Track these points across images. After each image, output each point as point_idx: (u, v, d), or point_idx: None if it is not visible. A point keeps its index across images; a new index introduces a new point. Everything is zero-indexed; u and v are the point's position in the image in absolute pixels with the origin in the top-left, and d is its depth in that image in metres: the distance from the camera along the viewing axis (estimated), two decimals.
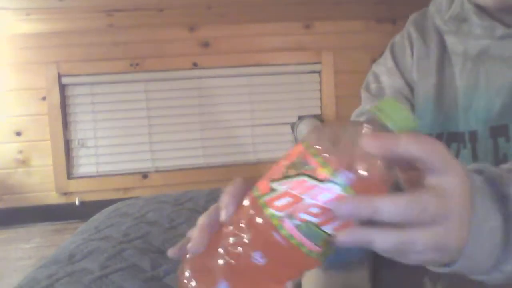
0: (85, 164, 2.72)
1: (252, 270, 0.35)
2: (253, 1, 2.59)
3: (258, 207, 0.34)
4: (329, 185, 0.32)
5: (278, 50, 2.82)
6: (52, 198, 2.66)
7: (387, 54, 0.75)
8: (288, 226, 0.33)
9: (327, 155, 0.33)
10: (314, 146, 0.34)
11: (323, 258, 0.35)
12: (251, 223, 0.35)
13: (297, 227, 0.33)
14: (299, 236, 0.33)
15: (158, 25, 2.69)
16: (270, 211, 0.34)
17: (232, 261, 0.35)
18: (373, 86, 0.74)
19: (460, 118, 0.63)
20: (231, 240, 0.35)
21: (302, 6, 2.69)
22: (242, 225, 0.35)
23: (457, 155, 0.63)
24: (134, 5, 2.55)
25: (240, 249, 0.35)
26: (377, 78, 0.74)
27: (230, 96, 2.80)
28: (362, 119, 0.73)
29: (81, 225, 1.25)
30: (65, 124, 2.69)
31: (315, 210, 0.33)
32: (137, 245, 1.00)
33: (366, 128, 0.35)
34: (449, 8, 0.66)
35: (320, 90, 2.88)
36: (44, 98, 2.64)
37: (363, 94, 0.75)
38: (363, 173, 0.33)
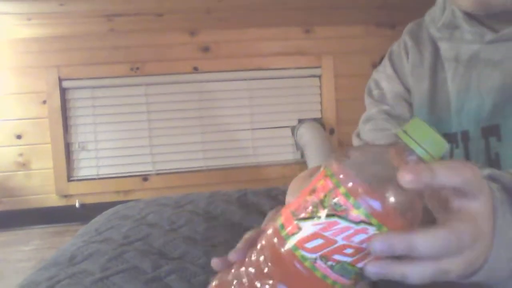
0: (86, 167, 2.73)
1: None
2: (253, 6, 2.60)
3: (287, 248, 0.34)
4: (363, 226, 0.31)
5: (278, 55, 2.83)
6: (52, 200, 2.66)
7: (386, 61, 0.77)
8: (322, 267, 0.33)
9: (359, 195, 0.31)
10: (344, 184, 0.32)
11: (353, 287, 0.35)
12: (280, 262, 0.34)
13: (331, 267, 0.33)
14: (333, 276, 0.33)
15: (159, 29, 2.71)
16: (301, 253, 0.33)
17: None
18: (375, 92, 0.76)
19: (453, 120, 0.66)
20: (258, 283, 0.35)
21: (302, 11, 2.70)
22: (269, 264, 0.35)
23: (450, 155, 0.65)
24: (135, 10, 2.56)
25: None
26: (377, 84, 0.77)
27: (230, 100, 2.81)
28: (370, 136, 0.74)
29: (81, 228, 1.25)
30: (66, 128, 2.69)
31: (349, 251, 0.32)
32: (138, 247, 1.00)
33: (396, 159, 0.33)
34: (441, 16, 0.69)
35: (320, 94, 2.89)
36: (44, 102, 2.65)
37: (367, 100, 0.78)
38: (398, 210, 0.32)
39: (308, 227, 0.33)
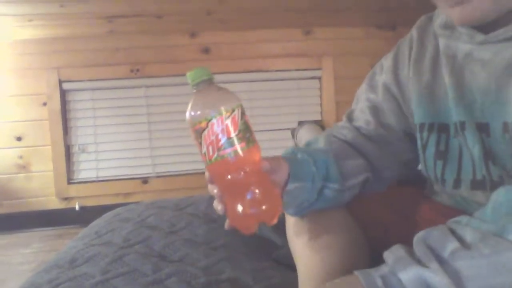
0: (86, 169, 2.72)
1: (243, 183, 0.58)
2: (254, 8, 2.60)
3: (214, 162, 0.58)
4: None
5: (278, 56, 2.83)
6: (52, 203, 2.66)
7: (393, 51, 0.83)
8: (222, 153, 0.56)
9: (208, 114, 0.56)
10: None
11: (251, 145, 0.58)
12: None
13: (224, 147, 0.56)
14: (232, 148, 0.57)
15: (159, 31, 2.71)
16: (213, 157, 0.57)
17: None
18: (377, 78, 0.84)
19: (451, 110, 0.70)
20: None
21: (302, 13, 2.70)
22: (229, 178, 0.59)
23: (446, 144, 0.72)
24: (135, 12, 2.56)
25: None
26: (381, 69, 0.84)
27: None
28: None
29: (81, 230, 1.25)
30: (66, 130, 2.69)
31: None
32: (138, 249, 1.00)
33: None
34: (439, 16, 0.74)
35: (321, 96, 2.89)
36: (45, 104, 2.65)
37: (365, 80, 0.86)
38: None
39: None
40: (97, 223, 1.26)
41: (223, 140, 0.56)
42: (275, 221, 0.60)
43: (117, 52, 2.70)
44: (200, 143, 0.57)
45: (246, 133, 0.58)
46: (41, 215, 2.63)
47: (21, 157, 2.65)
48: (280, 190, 0.64)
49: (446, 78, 0.71)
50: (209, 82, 0.58)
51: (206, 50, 2.77)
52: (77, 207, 2.65)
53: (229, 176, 0.57)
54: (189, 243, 1.03)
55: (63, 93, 2.68)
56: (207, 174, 0.61)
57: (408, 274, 0.47)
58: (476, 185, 0.69)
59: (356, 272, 0.51)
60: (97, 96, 2.71)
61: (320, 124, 2.85)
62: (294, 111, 2.87)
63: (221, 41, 2.78)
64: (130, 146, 2.74)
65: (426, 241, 0.50)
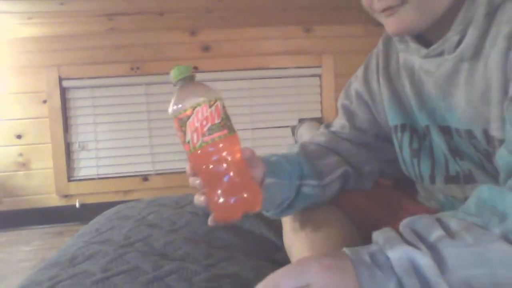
0: (86, 167, 2.73)
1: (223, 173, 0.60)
2: (254, 6, 2.60)
3: (197, 149, 0.60)
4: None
5: (278, 54, 2.83)
6: (53, 200, 2.66)
7: (365, 61, 0.89)
8: (204, 140, 0.59)
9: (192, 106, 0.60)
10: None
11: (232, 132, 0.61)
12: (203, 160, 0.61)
13: (208, 132, 0.59)
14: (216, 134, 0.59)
15: (159, 29, 2.70)
16: (198, 144, 0.59)
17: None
18: (352, 87, 0.89)
19: (417, 116, 0.75)
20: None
21: (302, 10, 2.70)
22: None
23: (419, 143, 0.77)
24: (135, 9, 2.56)
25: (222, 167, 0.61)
26: (356, 78, 0.89)
27: (230, 99, 2.81)
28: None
29: (82, 228, 1.25)
30: (66, 127, 2.69)
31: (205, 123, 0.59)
32: (139, 247, 1.00)
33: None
34: None
35: (321, 93, 2.89)
36: (45, 101, 2.65)
37: (342, 93, 0.91)
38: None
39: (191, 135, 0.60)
40: (97, 221, 1.26)
41: (207, 126, 0.58)
42: (257, 208, 0.63)
43: (117, 50, 2.70)
44: (184, 132, 0.60)
45: (228, 122, 0.61)
46: (42, 213, 2.64)
47: (21, 154, 2.65)
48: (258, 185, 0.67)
49: (407, 88, 0.75)
50: (192, 78, 0.61)
51: (206, 48, 2.77)
52: (77, 205, 2.66)
53: (211, 166, 0.59)
54: (189, 241, 1.03)
55: (63, 91, 2.68)
56: (188, 166, 0.63)
57: (397, 252, 0.48)
58: (450, 179, 0.74)
59: (344, 249, 0.52)
60: (97, 94, 2.71)
61: (320, 122, 2.85)
62: (294, 108, 2.87)
63: (221, 39, 2.78)
64: (130, 143, 2.75)
65: (413, 226, 0.52)
